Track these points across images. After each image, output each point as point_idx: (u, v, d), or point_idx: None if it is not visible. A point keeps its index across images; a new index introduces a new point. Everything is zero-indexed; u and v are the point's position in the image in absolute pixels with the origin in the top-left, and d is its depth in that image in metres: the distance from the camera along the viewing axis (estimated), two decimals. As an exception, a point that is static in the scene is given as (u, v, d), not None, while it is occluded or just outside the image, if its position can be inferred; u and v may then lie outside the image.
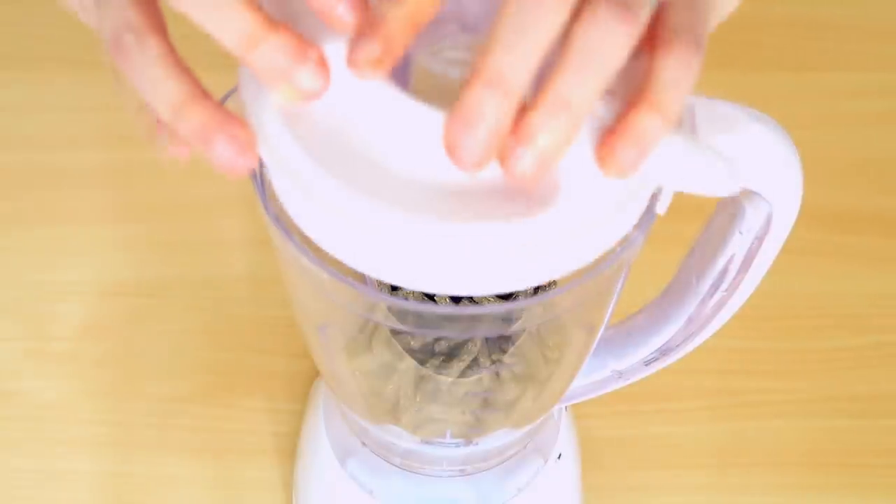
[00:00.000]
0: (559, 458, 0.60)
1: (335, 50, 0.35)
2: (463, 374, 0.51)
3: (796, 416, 0.71)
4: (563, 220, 0.35)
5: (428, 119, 0.35)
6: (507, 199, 0.34)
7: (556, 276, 0.37)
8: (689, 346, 0.51)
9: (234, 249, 0.76)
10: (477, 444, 0.54)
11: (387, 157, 0.35)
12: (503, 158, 0.33)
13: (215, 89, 0.39)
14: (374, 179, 0.34)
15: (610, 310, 0.46)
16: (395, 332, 0.51)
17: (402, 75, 0.37)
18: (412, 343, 0.51)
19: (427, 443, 0.54)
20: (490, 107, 0.32)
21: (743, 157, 0.40)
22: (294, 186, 0.36)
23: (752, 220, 0.43)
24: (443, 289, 0.37)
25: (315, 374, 0.70)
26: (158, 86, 0.35)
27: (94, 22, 0.38)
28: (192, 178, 0.77)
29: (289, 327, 0.73)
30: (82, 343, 0.72)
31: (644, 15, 0.33)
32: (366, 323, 0.51)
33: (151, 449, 0.69)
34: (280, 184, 0.37)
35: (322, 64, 0.35)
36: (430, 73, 0.37)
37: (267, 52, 0.34)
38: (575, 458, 0.64)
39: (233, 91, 0.39)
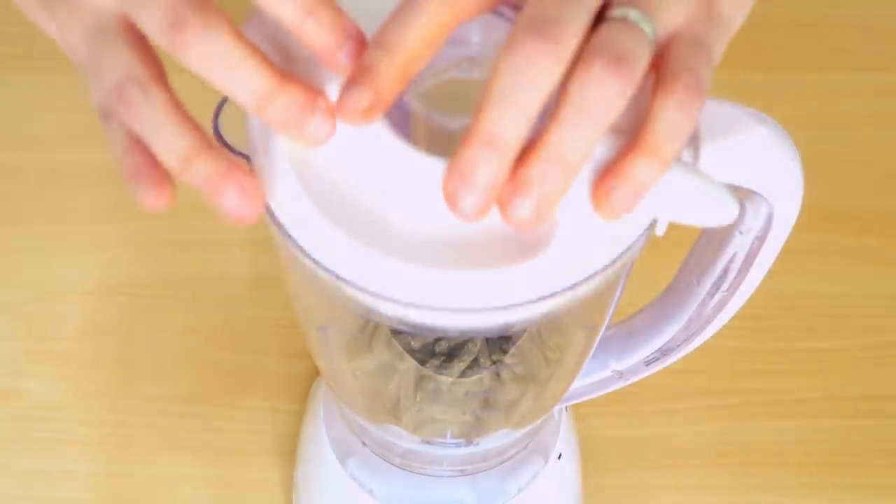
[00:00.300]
0: (559, 458, 0.60)
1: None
2: (463, 375, 0.51)
3: (796, 416, 0.71)
4: (561, 258, 0.36)
5: (426, 168, 0.35)
6: (504, 242, 0.35)
7: (554, 307, 0.37)
8: (690, 347, 0.51)
9: (234, 249, 0.76)
10: (477, 444, 0.54)
11: (386, 203, 0.36)
12: (502, 206, 0.33)
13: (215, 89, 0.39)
14: (372, 226, 0.35)
15: (611, 311, 0.46)
16: (395, 333, 0.51)
17: (401, 112, 0.37)
18: (412, 343, 0.51)
19: (427, 443, 0.54)
20: (484, 164, 0.32)
21: (743, 158, 0.40)
22: (298, 231, 0.36)
23: (752, 220, 0.43)
24: (444, 325, 0.38)
25: (315, 373, 0.70)
26: (165, 137, 0.36)
27: (80, 57, 0.39)
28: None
29: (289, 327, 0.73)
30: (82, 343, 0.72)
31: (640, 67, 0.33)
32: (366, 323, 0.51)
33: (151, 449, 0.69)
34: (285, 222, 0.37)
35: (330, 112, 0.35)
36: (428, 116, 0.37)
37: (279, 107, 0.35)
38: (575, 458, 0.64)
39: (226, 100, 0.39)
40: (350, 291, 0.37)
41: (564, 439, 0.61)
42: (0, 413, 0.70)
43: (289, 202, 0.37)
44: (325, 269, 0.37)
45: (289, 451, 0.68)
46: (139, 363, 0.72)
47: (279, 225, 0.37)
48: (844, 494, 0.69)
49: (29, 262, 0.75)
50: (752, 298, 0.48)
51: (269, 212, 0.37)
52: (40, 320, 0.73)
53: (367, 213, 0.36)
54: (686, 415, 0.71)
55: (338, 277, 0.37)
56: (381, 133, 0.36)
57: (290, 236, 0.37)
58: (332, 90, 0.36)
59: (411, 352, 0.51)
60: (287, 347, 0.72)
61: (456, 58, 0.39)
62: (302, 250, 0.37)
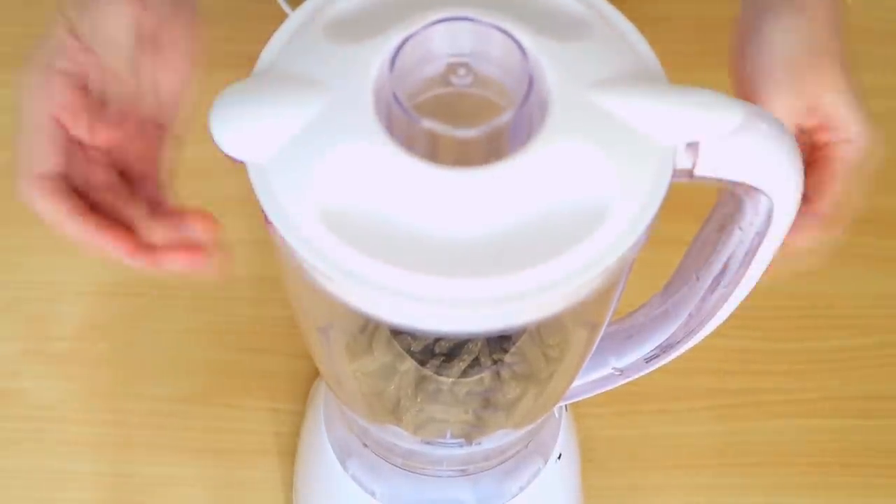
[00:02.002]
0: (559, 458, 0.60)
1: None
2: (464, 375, 0.51)
3: (796, 416, 0.71)
4: (567, 265, 0.36)
5: (431, 177, 0.36)
6: (508, 249, 0.36)
7: (560, 310, 0.38)
8: (690, 343, 0.51)
9: (234, 249, 0.76)
10: (478, 444, 0.54)
11: (393, 213, 0.36)
12: None
13: (216, 89, 0.39)
14: (383, 238, 0.36)
15: (612, 309, 0.46)
16: (395, 333, 0.51)
17: (402, 123, 0.37)
18: (412, 344, 0.51)
19: (428, 443, 0.54)
20: None
21: (743, 153, 0.40)
22: (306, 247, 0.37)
23: (751, 216, 0.43)
24: (453, 329, 0.38)
25: (316, 373, 0.70)
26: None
27: None
28: (192, 178, 0.77)
29: (289, 327, 0.73)
30: (82, 343, 0.72)
31: None
32: (366, 324, 0.51)
33: (151, 449, 0.69)
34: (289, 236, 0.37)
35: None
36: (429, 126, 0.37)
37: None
38: (575, 458, 0.64)
39: None
40: (352, 302, 0.37)
41: (564, 439, 0.61)
42: (0, 413, 0.70)
43: (293, 219, 0.37)
44: (349, 303, 0.38)
45: (289, 452, 0.68)
46: (139, 363, 0.72)
47: (283, 239, 0.37)
48: (844, 494, 0.69)
49: (29, 262, 0.75)
50: (751, 298, 0.48)
51: (273, 226, 0.38)
52: (40, 320, 0.73)
53: (376, 226, 0.36)
54: (686, 415, 0.71)
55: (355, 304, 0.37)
56: (383, 144, 0.36)
57: (299, 254, 0.37)
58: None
59: (411, 353, 0.51)
60: (288, 347, 0.72)
61: (448, 66, 0.39)
62: (319, 274, 0.37)
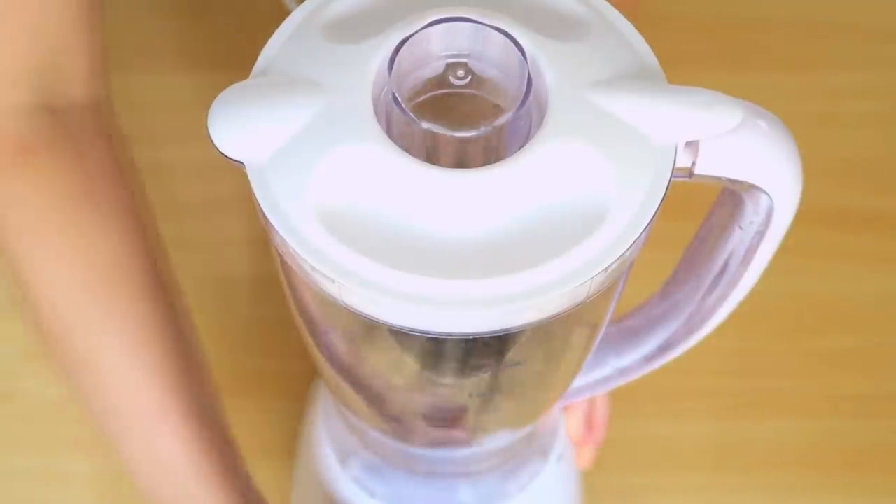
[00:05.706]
0: (559, 458, 0.60)
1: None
2: (464, 375, 0.51)
3: (796, 416, 0.71)
4: (567, 266, 0.36)
5: (430, 178, 0.36)
6: (513, 252, 0.36)
7: (560, 311, 0.38)
8: (691, 342, 0.51)
9: (234, 249, 0.76)
10: (478, 444, 0.54)
11: (392, 215, 0.37)
12: None
13: (216, 89, 0.39)
14: (383, 240, 0.36)
15: (611, 309, 0.46)
16: (395, 333, 0.51)
17: (401, 124, 0.37)
18: (412, 345, 0.51)
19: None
20: None
21: (743, 151, 0.40)
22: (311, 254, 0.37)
23: (751, 214, 0.43)
24: (453, 330, 0.39)
25: (315, 374, 0.70)
26: None
27: None
28: (191, 178, 0.77)
29: (288, 327, 0.72)
30: (82, 343, 0.72)
31: None
32: (366, 324, 0.51)
33: (151, 449, 0.69)
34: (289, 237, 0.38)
35: None
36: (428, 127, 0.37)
37: None
38: (575, 458, 0.64)
39: None
40: (352, 303, 0.37)
41: (564, 439, 0.61)
42: (0, 413, 0.70)
43: (292, 219, 0.37)
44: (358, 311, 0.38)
45: (289, 452, 0.68)
46: (139, 363, 0.72)
47: (282, 239, 0.37)
48: (844, 494, 0.69)
49: (29, 262, 0.75)
50: (751, 298, 0.48)
51: (272, 226, 0.38)
52: (40, 320, 0.73)
53: (375, 227, 0.36)
54: (686, 415, 0.71)
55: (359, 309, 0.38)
56: (381, 145, 0.37)
57: (298, 255, 0.37)
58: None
59: (411, 353, 0.51)
60: (287, 347, 0.72)
61: (447, 66, 0.39)
62: (319, 275, 0.37)
